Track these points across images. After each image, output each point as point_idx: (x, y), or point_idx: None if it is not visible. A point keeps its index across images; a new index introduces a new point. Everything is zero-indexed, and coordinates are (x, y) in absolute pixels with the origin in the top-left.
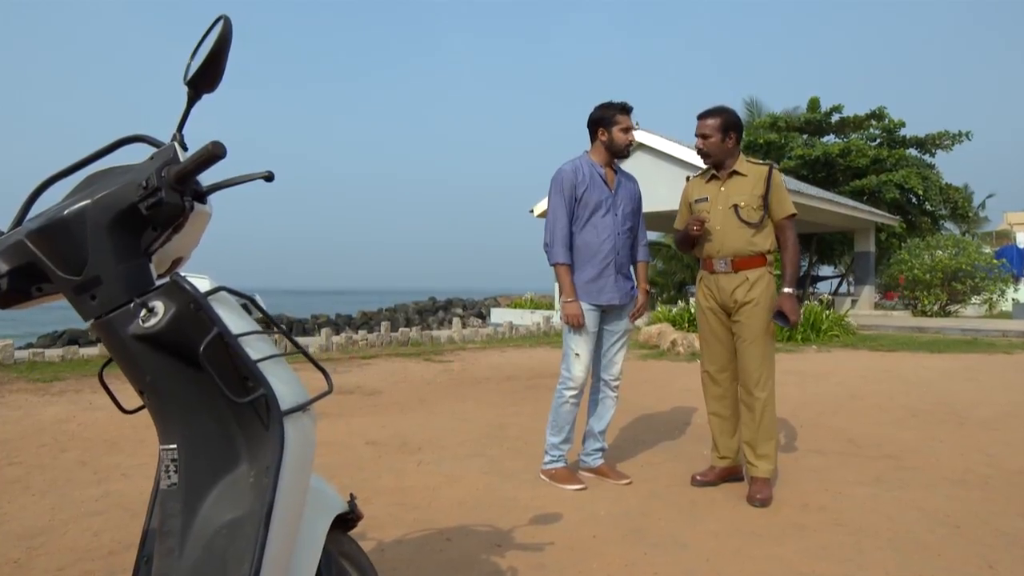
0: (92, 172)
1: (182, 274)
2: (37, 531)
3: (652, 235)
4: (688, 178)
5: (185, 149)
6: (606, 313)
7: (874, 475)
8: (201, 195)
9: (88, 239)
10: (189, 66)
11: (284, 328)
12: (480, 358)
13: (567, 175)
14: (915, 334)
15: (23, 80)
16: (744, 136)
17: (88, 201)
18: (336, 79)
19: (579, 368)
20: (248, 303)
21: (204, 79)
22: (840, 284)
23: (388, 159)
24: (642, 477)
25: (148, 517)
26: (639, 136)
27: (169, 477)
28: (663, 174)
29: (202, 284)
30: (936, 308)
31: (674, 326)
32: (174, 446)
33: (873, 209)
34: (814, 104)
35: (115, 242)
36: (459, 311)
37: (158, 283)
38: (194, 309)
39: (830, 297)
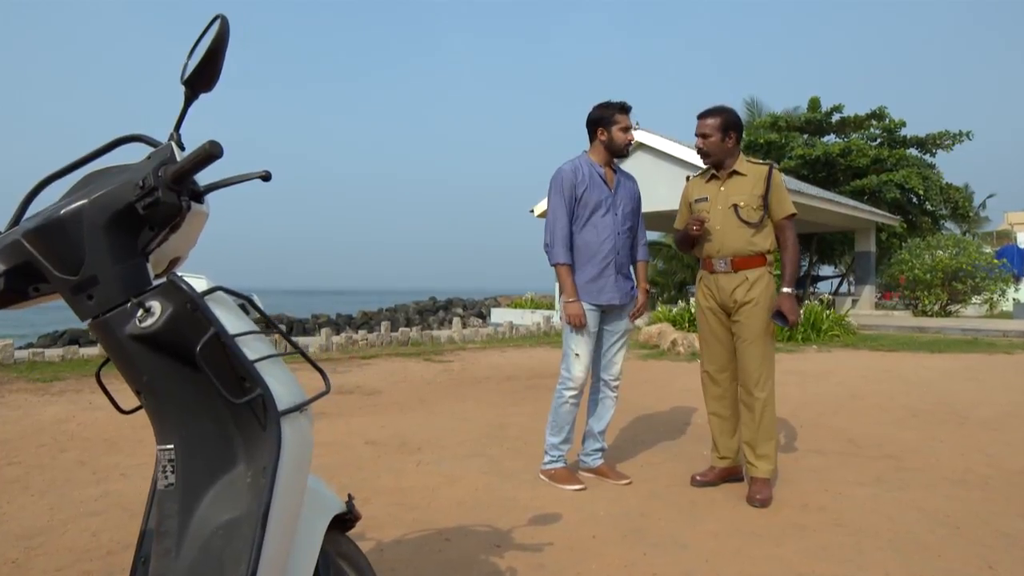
0: (89, 172)
1: (179, 274)
2: (36, 531)
3: (652, 235)
4: (688, 178)
5: (182, 149)
6: (606, 313)
7: (874, 475)
8: (198, 195)
9: (85, 239)
10: (186, 66)
11: (281, 328)
12: (480, 358)
13: (567, 175)
14: (915, 334)
15: (23, 80)
16: (744, 136)
17: (85, 201)
18: (336, 79)
19: (579, 368)
20: (245, 303)
21: (201, 79)
22: (840, 284)
23: (388, 159)
24: (642, 477)
25: (145, 517)
26: (639, 136)
27: (166, 477)
28: (663, 174)
29: (199, 284)
30: (936, 308)
31: (674, 326)
32: (171, 446)
33: (873, 209)
34: (814, 104)
35: (112, 242)
36: (459, 311)
37: (155, 283)
38: (191, 309)
39: (830, 297)
